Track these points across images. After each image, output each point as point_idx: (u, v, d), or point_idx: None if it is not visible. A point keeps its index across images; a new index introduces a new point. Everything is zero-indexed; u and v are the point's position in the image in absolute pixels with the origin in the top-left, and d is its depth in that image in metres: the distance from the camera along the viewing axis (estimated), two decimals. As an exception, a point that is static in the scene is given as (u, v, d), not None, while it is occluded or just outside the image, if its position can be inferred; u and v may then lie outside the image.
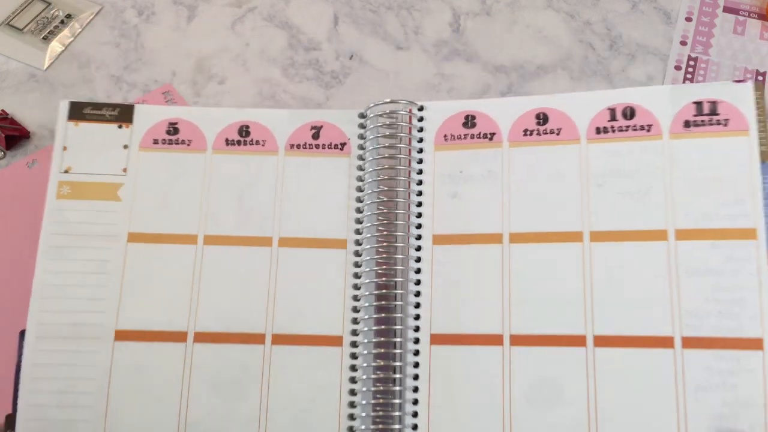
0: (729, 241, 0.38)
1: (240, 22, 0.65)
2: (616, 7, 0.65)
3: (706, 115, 0.41)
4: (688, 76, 0.60)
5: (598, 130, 0.42)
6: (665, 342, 0.37)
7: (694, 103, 0.41)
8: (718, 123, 0.40)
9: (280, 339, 0.41)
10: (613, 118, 0.42)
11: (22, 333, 0.41)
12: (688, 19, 0.64)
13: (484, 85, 0.61)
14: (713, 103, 0.41)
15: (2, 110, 0.59)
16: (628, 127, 0.42)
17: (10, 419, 0.39)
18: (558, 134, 0.42)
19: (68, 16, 0.65)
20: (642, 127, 0.41)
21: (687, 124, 0.41)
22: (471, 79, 0.61)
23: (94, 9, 0.66)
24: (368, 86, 0.61)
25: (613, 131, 0.42)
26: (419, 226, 0.42)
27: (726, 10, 0.65)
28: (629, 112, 0.42)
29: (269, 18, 0.65)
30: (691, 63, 0.61)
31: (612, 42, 0.63)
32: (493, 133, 0.43)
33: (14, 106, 0.60)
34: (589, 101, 0.43)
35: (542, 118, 0.43)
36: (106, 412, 0.39)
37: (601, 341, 0.38)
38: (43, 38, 0.63)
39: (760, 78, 0.60)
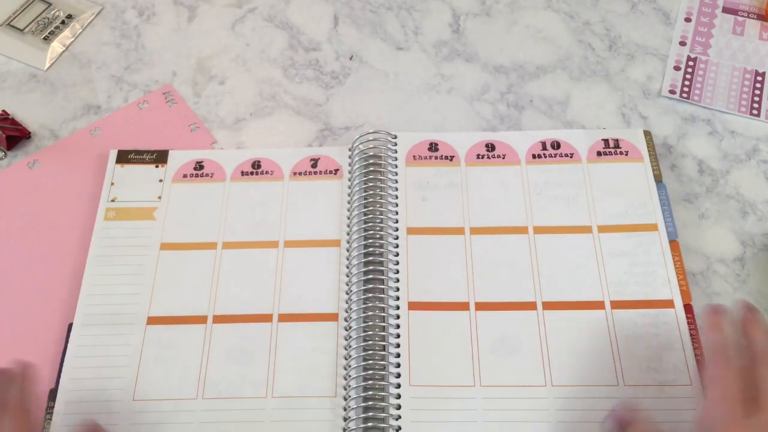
0: (638, 232, 0.50)
1: (240, 23, 0.65)
2: (616, 7, 0.65)
3: (612, 148, 0.55)
4: (687, 76, 0.60)
5: (534, 156, 0.54)
6: (598, 305, 0.48)
7: (603, 140, 0.55)
8: (621, 153, 0.54)
9: (285, 317, 0.48)
10: (544, 148, 0.55)
11: (70, 326, 0.48)
12: (688, 20, 0.64)
13: (484, 85, 0.61)
14: (616, 140, 0.55)
15: (3, 110, 0.59)
16: (556, 154, 0.54)
17: (53, 392, 0.46)
18: (504, 158, 0.55)
19: (69, 17, 0.65)
20: (566, 155, 0.54)
21: (599, 153, 0.54)
22: (471, 80, 0.61)
23: (95, 9, 0.66)
24: (368, 86, 0.61)
25: (545, 157, 0.54)
26: (396, 221, 0.51)
27: (725, 10, 0.65)
28: (556, 145, 0.55)
29: (269, 18, 0.65)
30: (691, 63, 0.61)
31: (611, 42, 0.63)
32: (453, 156, 0.55)
33: (15, 107, 0.60)
34: (526, 137, 0.56)
35: (491, 147, 0.55)
36: (136, 378, 0.46)
37: (548, 306, 0.48)
38: (44, 39, 0.64)
39: (760, 78, 0.60)
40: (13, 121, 0.58)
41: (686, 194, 0.54)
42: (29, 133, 0.58)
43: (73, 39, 0.64)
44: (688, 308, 0.47)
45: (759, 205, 0.54)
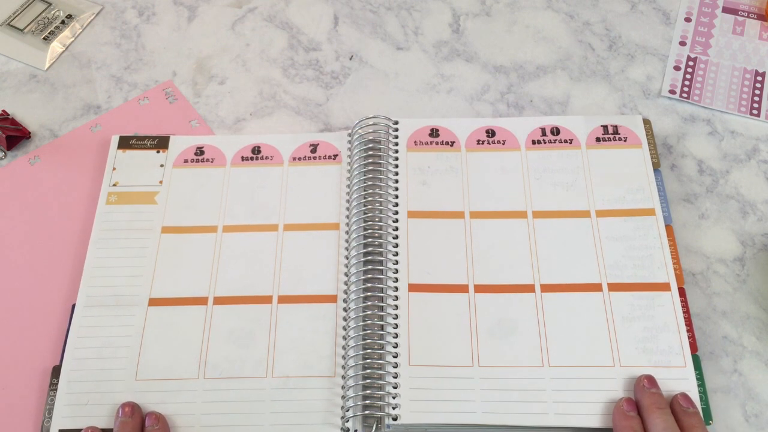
0: (636, 217, 0.51)
1: (240, 23, 0.65)
2: (616, 7, 0.65)
3: (611, 134, 0.55)
4: (687, 76, 0.60)
5: (533, 142, 0.55)
6: (595, 287, 0.49)
7: (602, 126, 0.56)
8: (620, 139, 0.55)
9: (285, 299, 0.49)
10: (544, 134, 0.55)
11: (73, 306, 0.49)
12: (688, 20, 0.64)
13: (484, 85, 0.61)
14: (615, 126, 0.55)
15: (3, 110, 0.59)
16: (555, 140, 0.55)
17: (56, 369, 0.47)
18: (504, 144, 0.55)
19: (69, 17, 0.65)
20: (565, 140, 0.55)
21: (598, 139, 0.55)
22: (471, 80, 0.61)
23: (95, 9, 0.66)
24: (368, 86, 0.61)
25: (545, 143, 0.55)
26: (396, 204, 0.52)
27: (725, 10, 0.65)
28: (555, 131, 0.56)
29: (269, 18, 0.65)
30: (691, 63, 0.61)
31: (611, 42, 0.63)
32: (453, 142, 0.55)
33: (15, 107, 0.60)
34: (525, 123, 0.56)
35: (491, 133, 0.56)
36: (138, 358, 0.47)
37: (546, 288, 0.49)
38: (44, 39, 0.64)
39: (760, 78, 0.60)
40: (13, 121, 0.58)
41: (686, 194, 0.54)
42: (29, 133, 0.58)
43: (73, 39, 0.64)
44: (681, 291, 0.48)
45: (759, 205, 0.54)
